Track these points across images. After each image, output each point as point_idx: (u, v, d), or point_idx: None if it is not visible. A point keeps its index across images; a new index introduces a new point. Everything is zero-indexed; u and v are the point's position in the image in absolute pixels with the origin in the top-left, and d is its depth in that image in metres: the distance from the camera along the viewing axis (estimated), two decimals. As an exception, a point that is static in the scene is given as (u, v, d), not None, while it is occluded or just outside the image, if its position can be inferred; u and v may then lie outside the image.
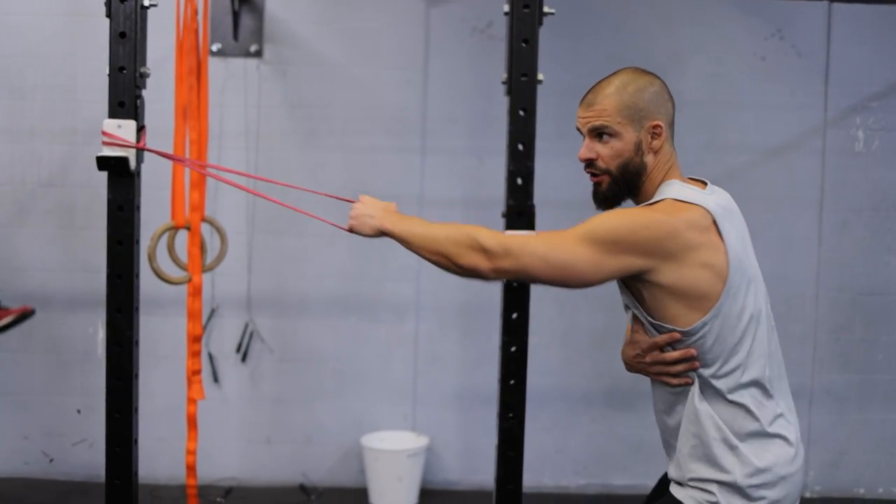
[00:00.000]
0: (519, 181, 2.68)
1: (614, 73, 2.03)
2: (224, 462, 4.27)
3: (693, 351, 1.88)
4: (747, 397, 1.89)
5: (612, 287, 4.43)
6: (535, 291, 4.22)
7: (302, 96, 4.26)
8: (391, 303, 4.33)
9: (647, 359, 1.96)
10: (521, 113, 2.69)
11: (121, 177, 2.48)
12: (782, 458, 1.90)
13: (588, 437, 4.41)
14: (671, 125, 2.02)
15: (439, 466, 4.35)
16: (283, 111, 4.25)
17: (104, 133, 2.53)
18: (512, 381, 2.69)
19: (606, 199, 2.00)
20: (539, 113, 4.21)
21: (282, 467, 4.34)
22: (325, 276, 4.31)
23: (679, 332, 1.88)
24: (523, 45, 2.68)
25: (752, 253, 1.97)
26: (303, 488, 4.28)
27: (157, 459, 4.15)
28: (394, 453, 4.10)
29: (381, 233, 2.14)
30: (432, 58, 4.27)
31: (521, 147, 2.69)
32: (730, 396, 1.89)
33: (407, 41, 4.26)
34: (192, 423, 3.42)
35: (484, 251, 1.92)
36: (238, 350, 4.28)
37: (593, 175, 2.01)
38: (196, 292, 3.36)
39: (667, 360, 1.92)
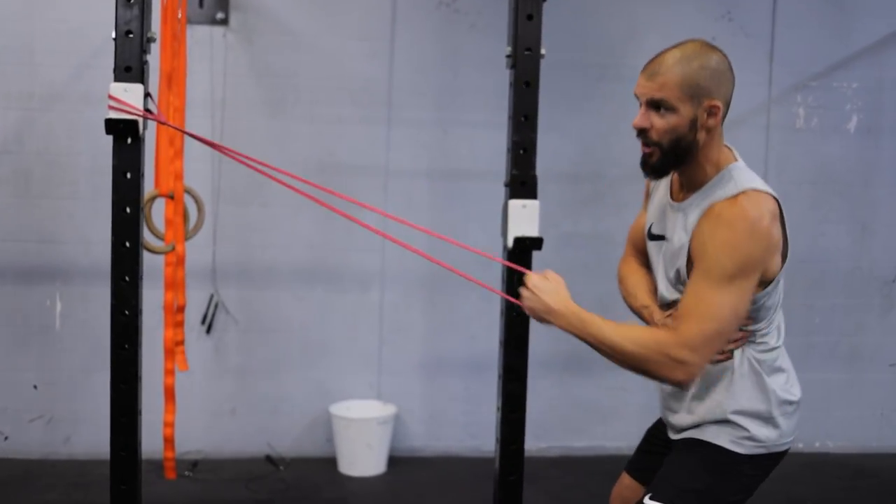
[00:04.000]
0: (522, 152, 2.75)
1: (681, 44, 2.04)
2: (190, 435, 4.24)
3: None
4: (778, 341, 2.10)
5: (569, 256, 4.58)
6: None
7: (268, 65, 4.23)
8: (357, 273, 4.36)
9: None
10: (525, 86, 2.76)
11: (127, 142, 2.44)
12: (796, 390, 2.14)
13: (548, 401, 4.55)
14: (728, 104, 2.07)
15: (404, 434, 4.42)
16: (249, 80, 4.22)
17: (111, 97, 2.48)
18: (515, 345, 2.77)
19: (655, 170, 2.06)
20: (500, 88, 4.34)
21: (248, 439, 4.34)
22: (290, 246, 4.31)
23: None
24: (528, 20, 2.75)
25: None
26: (269, 459, 4.29)
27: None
28: (364, 421, 4.16)
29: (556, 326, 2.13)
30: (399, 30, 4.30)
31: (524, 119, 2.76)
32: (767, 342, 2.08)
33: (374, 12, 4.28)
34: (169, 394, 3.37)
35: (680, 363, 1.90)
36: (203, 322, 4.24)
37: (645, 145, 2.04)
38: (179, 262, 3.33)
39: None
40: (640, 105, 2.05)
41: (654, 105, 2.00)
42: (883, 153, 4.71)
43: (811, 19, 4.57)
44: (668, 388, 2.21)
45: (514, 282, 2.73)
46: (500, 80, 4.31)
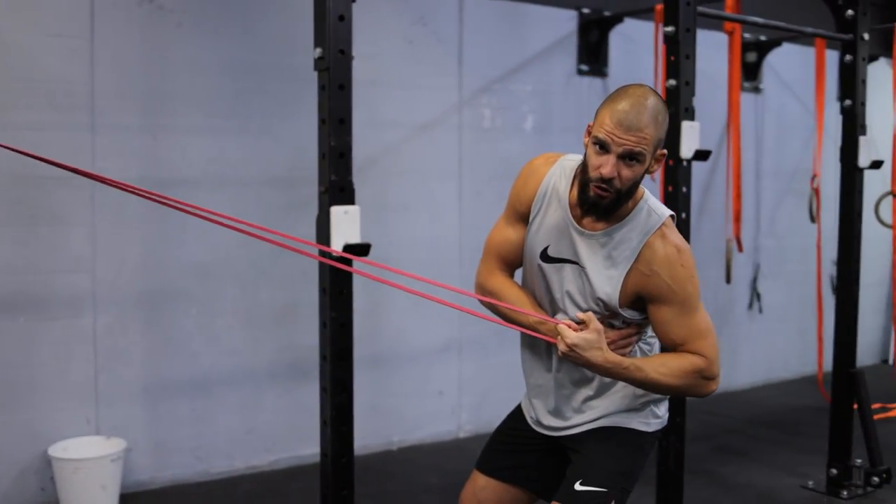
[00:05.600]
0: (340, 156, 2.69)
1: (644, 95, 2.09)
2: None
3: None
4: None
5: (289, 265, 4.53)
6: (216, 270, 4.16)
7: (-55, 64, 3.61)
8: (65, 297, 3.90)
9: (619, 341, 2.26)
10: (339, 89, 2.69)
11: None
12: None
13: (276, 412, 4.44)
14: None
15: (129, 468, 4.04)
16: (-78, 82, 3.57)
17: None
18: (344, 357, 2.71)
19: (605, 211, 2.16)
20: (212, 92, 4.15)
21: (-56, 501, 3.70)
22: (-18, 273, 3.74)
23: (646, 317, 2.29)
24: (339, 20, 2.68)
25: None
26: (-28, 521, 3.70)
27: None
28: (96, 461, 3.74)
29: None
30: (98, 27, 3.89)
31: (340, 123, 2.69)
32: (648, 332, 2.36)
33: (70, 5, 3.84)
34: None
35: (714, 378, 2.21)
36: None
37: (604, 190, 2.11)
38: None
39: (630, 333, 2.29)
40: (608, 152, 2.09)
41: (629, 156, 2.08)
42: (553, 149, 5.20)
43: (492, 26, 4.93)
44: (552, 396, 2.37)
45: (337, 296, 2.67)
46: (211, 83, 4.17)
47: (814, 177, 5.65)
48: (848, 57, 4.11)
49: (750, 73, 5.98)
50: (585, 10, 5.22)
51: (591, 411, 2.33)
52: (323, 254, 2.69)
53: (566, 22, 5.21)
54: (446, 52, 4.83)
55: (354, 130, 4.52)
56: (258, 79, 4.29)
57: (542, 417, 2.42)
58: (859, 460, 4.17)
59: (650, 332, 2.33)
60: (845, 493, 4.13)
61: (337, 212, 2.65)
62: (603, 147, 2.08)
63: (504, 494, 2.47)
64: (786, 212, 6.43)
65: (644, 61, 5.34)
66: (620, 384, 2.29)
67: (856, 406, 4.20)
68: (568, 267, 2.26)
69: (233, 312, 4.29)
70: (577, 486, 2.22)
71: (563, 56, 5.22)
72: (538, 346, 2.40)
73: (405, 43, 4.68)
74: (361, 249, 2.64)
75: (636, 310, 2.25)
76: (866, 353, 6.79)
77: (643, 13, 5.19)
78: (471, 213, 4.95)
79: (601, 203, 2.13)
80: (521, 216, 2.35)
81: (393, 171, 4.67)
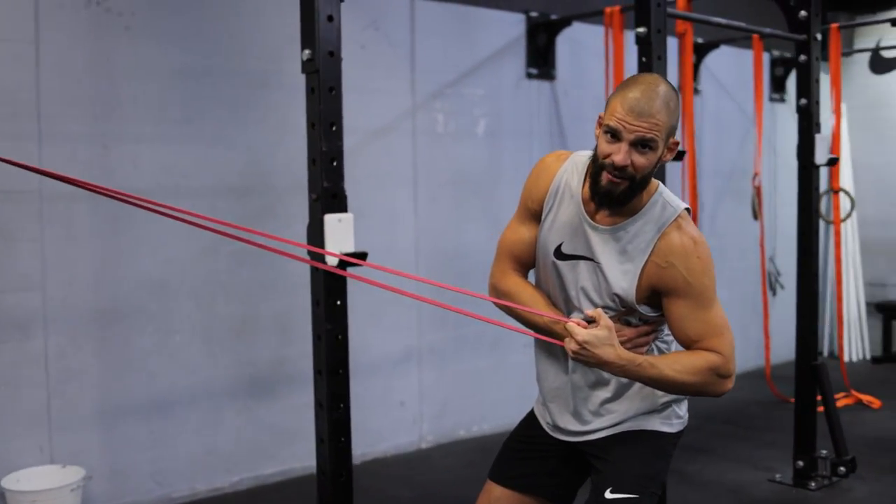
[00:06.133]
0: (334, 163, 2.58)
1: (655, 82, 2.07)
2: None
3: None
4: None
5: (247, 277, 4.38)
6: (171, 285, 3.99)
7: None
8: (13, 317, 3.66)
9: (636, 339, 2.22)
10: (330, 91, 2.58)
11: None
12: None
13: (236, 431, 4.26)
14: None
15: (86, 497, 3.81)
16: None
17: None
18: (340, 371, 2.60)
19: (618, 201, 2.10)
20: (163, 98, 3.97)
21: None
22: (-77, 295, 3.48)
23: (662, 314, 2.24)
24: (328, 21, 2.58)
25: None
26: (-81, 562, 3.43)
27: None
28: (55, 492, 3.50)
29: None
30: (43, 30, 3.68)
31: (332, 127, 2.58)
32: (664, 330, 2.30)
33: (13, 8, 3.61)
34: None
35: (729, 376, 2.15)
36: None
37: (617, 177, 2.06)
38: None
39: (647, 331, 2.24)
40: (620, 140, 2.04)
41: (640, 143, 2.03)
42: (504, 154, 5.18)
43: (443, 30, 4.86)
44: (570, 399, 2.30)
45: (333, 307, 2.55)
46: (162, 89, 3.99)
47: (755, 175, 5.75)
48: (802, 57, 4.18)
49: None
50: (533, 14, 5.20)
51: (610, 415, 2.27)
52: (316, 261, 2.57)
53: (515, 25, 5.19)
54: (399, 56, 4.74)
55: (304, 137, 4.45)
56: (210, 84, 4.12)
57: (560, 421, 2.35)
58: (824, 451, 4.23)
59: (667, 330, 2.28)
60: (813, 484, 4.19)
61: (331, 220, 2.54)
62: (615, 135, 2.04)
63: None
64: (725, 211, 6.54)
65: (591, 65, 5.35)
66: (638, 385, 2.23)
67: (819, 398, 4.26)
68: (583, 263, 2.21)
69: (190, 329, 4.11)
70: (608, 495, 2.16)
71: (513, 60, 5.19)
72: (553, 348, 2.33)
73: (357, 47, 4.57)
74: (359, 258, 2.53)
75: (652, 306, 2.20)
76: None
77: (590, 17, 5.20)
78: (426, 219, 4.86)
79: (614, 192, 2.08)
80: (534, 214, 2.30)
81: (348, 177, 4.51)
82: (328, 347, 2.59)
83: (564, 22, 5.22)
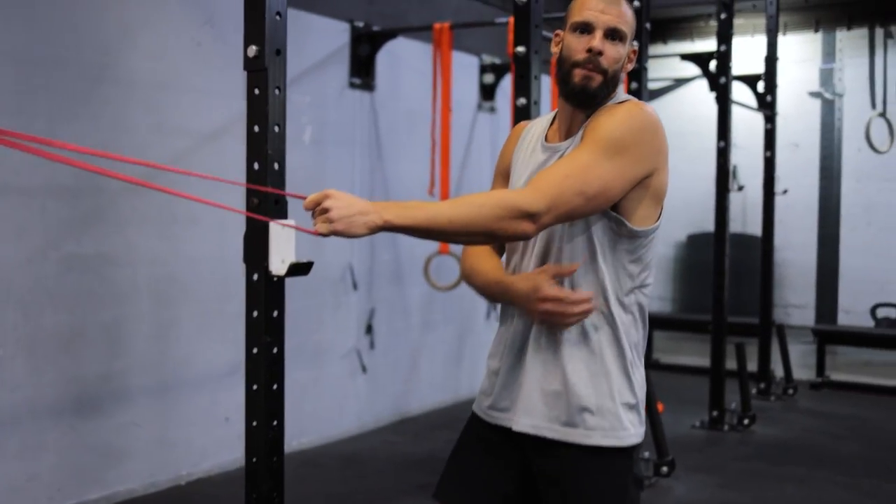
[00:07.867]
0: (276, 166, 2.47)
1: None
2: None
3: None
4: (640, 311, 2.06)
5: (75, 285, 4.08)
6: None
7: None
8: None
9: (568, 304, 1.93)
10: (277, 91, 2.47)
11: None
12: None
13: (60, 454, 3.88)
14: None
15: None
16: None
17: None
18: (275, 386, 2.48)
19: (591, 96, 2.00)
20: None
21: None
22: None
23: (639, 231, 1.98)
24: (277, 17, 2.47)
25: None
26: None
27: None
28: None
29: (380, 229, 1.77)
30: None
31: (277, 129, 2.47)
32: (635, 311, 2.04)
33: None
34: None
35: (529, 216, 1.82)
36: None
37: (591, 70, 1.99)
38: None
39: (585, 297, 1.93)
40: (593, 31, 1.99)
41: (611, 34, 2.00)
42: (328, 162, 5.14)
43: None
44: (518, 376, 2.06)
45: (271, 319, 2.43)
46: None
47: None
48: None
49: (488, 93, 6.31)
50: (358, 24, 5.20)
51: (560, 412, 1.99)
52: (254, 273, 2.45)
53: (340, 34, 5.16)
54: (233, 56, 4.54)
55: (139, 137, 4.18)
56: (44, 74, 3.75)
57: (500, 400, 2.09)
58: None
59: (645, 278, 2.03)
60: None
61: (275, 228, 2.42)
62: (585, 29, 2.00)
63: None
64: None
65: (409, 79, 5.44)
66: (588, 374, 1.97)
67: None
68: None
69: (14, 341, 3.69)
70: None
71: (338, 68, 5.16)
72: (508, 323, 2.12)
73: (194, 44, 4.35)
74: (305, 268, 2.41)
75: (609, 219, 1.96)
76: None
77: (415, 31, 5.29)
78: (255, 227, 4.70)
79: (589, 87, 1.99)
80: (505, 174, 2.21)
81: (181, 182, 4.31)
82: (267, 361, 2.48)
83: (388, 34, 5.26)
